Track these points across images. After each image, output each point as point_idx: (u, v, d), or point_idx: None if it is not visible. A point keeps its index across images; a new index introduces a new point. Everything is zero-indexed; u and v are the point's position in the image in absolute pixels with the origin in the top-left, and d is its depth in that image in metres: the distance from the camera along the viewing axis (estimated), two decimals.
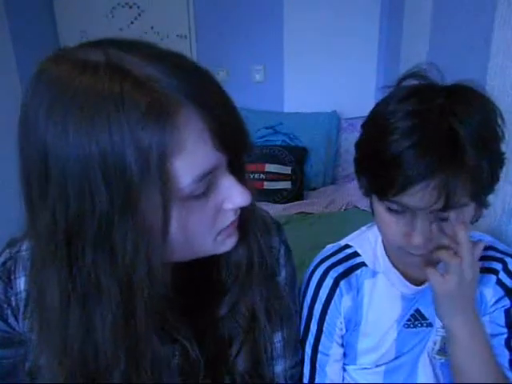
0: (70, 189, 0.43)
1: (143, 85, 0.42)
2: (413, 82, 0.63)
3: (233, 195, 0.51)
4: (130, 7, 2.46)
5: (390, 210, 0.63)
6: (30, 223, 0.49)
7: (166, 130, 0.42)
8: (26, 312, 0.60)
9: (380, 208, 0.65)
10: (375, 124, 0.64)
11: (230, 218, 0.53)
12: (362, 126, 0.67)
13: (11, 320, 0.60)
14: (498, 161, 0.62)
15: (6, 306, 0.60)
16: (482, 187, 0.60)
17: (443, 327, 0.71)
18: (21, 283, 0.60)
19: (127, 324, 0.49)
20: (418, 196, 0.57)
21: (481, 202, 0.63)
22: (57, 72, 0.44)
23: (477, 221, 0.67)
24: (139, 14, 2.47)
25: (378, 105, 0.65)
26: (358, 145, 0.68)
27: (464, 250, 0.61)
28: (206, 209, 0.50)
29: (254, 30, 2.51)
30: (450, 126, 0.56)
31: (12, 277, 0.60)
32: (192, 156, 0.45)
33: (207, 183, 0.48)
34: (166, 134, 0.42)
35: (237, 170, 0.53)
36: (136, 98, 0.41)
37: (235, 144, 0.49)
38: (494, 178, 0.62)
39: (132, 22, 2.48)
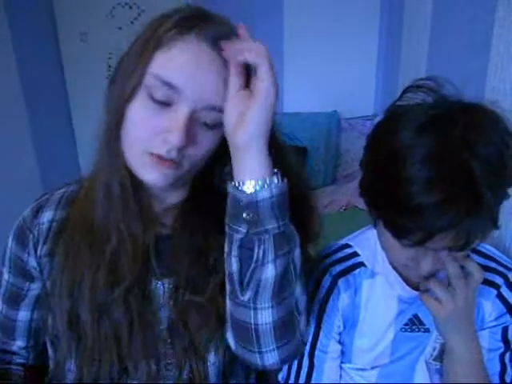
0: None
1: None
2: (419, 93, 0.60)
3: (171, 130, 0.55)
4: (130, 7, 2.46)
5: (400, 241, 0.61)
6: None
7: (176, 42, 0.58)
8: (44, 246, 0.69)
9: (388, 234, 0.62)
10: (387, 152, 0.59)
11: (161, 147, 0.57)
12: (367, 147, 0.65)
13: (31, 250, 0.69)
14: (504, 195, 0.59)
15: (29, 233, 0.69)
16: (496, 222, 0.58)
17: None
18: (45, 215, 0.70)
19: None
20: (439, 239, 0.56)
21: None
22: None
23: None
24: (139, 14, 2.47)
25: (384, 124, 0.62)
26: (366, 168, 0.65)
27: (454, 282, 0.64)
28: (154, 118, 0.57)
29: (254, 30, 2.49)
30: (468, 169, 0.53)
31: (40, 210, 0.70)
32: (171, 62, 0.56)
33: (166, 97, 0.56)
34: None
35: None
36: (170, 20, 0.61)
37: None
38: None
39: (132, 22, 2.48)
